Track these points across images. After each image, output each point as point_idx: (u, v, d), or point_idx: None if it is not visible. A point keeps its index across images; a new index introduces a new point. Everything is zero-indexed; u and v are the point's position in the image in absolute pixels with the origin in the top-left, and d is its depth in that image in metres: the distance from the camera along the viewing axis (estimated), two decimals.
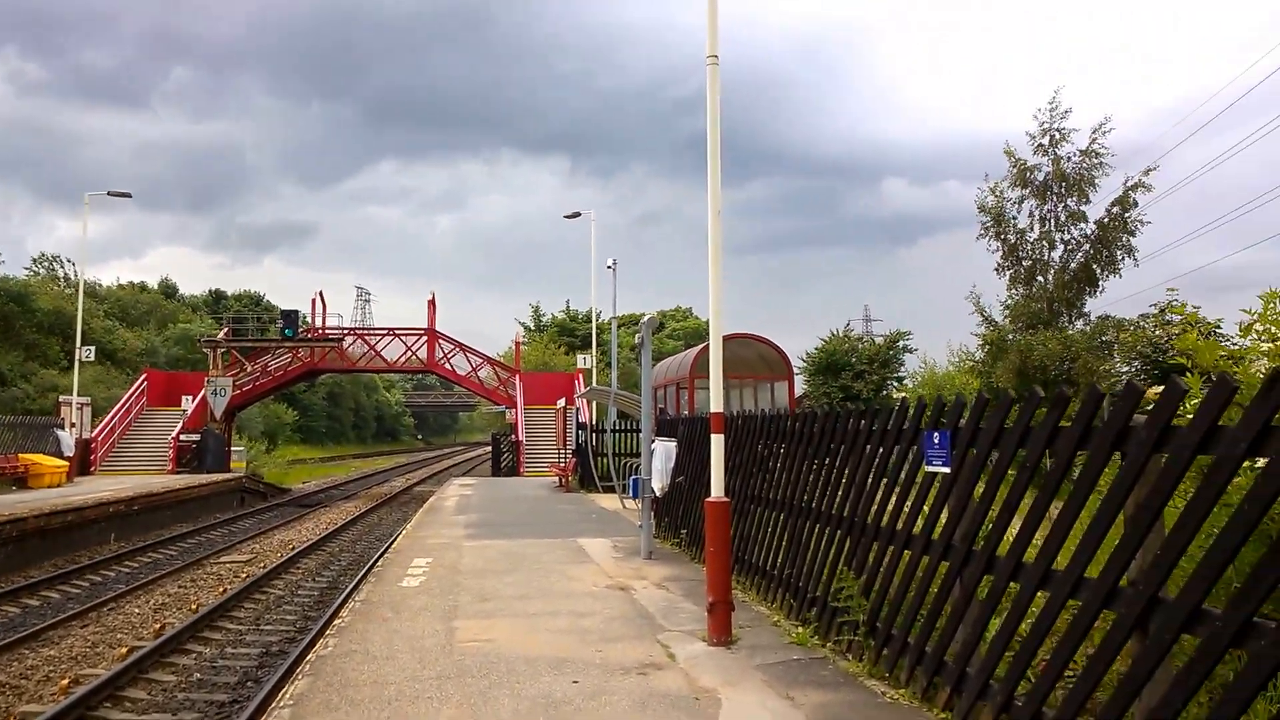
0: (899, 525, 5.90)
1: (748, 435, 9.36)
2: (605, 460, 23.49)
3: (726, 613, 6.93)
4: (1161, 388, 4.56)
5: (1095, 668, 3.82)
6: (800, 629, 7.09)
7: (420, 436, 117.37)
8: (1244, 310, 4.54)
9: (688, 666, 6.39)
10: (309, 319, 34.22)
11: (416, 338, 34.71)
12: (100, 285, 64.84)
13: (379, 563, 11.61)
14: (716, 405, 7.47)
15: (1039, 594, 4.27)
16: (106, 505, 19.36)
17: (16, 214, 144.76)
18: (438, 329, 35.18)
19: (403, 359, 34.77)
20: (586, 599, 8.89)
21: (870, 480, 6.45)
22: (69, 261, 60.53)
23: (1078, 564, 3.96)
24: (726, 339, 20.26)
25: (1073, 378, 21.04)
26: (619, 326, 31.19)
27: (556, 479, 25.90)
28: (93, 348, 29.72)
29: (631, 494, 11.99)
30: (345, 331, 34.16)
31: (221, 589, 14.25)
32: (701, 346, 20.75)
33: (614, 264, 27.56)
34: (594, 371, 33.82)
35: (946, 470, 5.20)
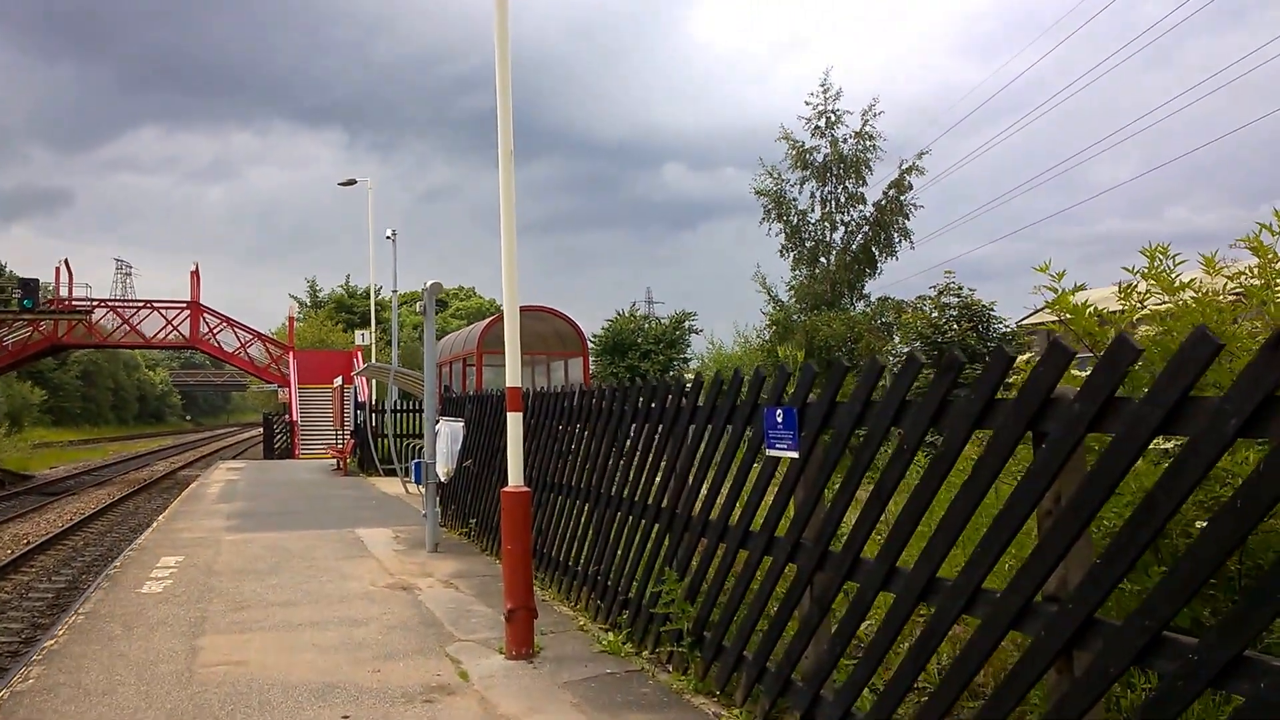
0: (732, 520, 4.94)
1: (546, 415, 8.16)
2: (386, 442, 21.56)
3: (528, 621, 5.72)
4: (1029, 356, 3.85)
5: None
6: (611, 635, 6.01)
7: (189, 418, 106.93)
8: (1126, 269, 3.87)
9: (484, 688, 5.13)
10: (54, 290, 29.33)
11: (178, 311, 30.67)
12: None
13: (116, 562, 9.41)
14: (514, 380, 6.22)
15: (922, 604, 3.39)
16: None
17: None
18: (203, 303, 31.29)
19: (163, 334, 30.61)
20: (363, 602, 7.38)
21: (695, 467, 5.46)
22: None
23: (975, 571, 3.10)
24: (520, 310, 18.95)
25: (856, 357, 21.25)
26: (401, 305, 28.90)
27: (334, 461, 23.56)
28: None
29: (415, 479, 10.48)
30: (95, 303, 29.53)
31: None
32: (490, 320, 19.27)
33: (394, 234, 25.31)
34: (374, 349, 31.31)
35: (794, 455, 4.26)
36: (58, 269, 29.31)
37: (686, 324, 31.73)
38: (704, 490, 5.35)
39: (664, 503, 5.82)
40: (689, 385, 5.66)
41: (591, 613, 6.74)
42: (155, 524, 12.89)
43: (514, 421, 6.07)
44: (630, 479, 6.34)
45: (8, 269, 60.60)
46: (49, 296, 28.52)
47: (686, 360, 31.23)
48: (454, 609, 7.14)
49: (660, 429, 5.95)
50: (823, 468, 4.15)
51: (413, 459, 17.85)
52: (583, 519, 7.23)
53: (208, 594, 7.62)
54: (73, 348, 32.63)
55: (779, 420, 4.36)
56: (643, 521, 6.09)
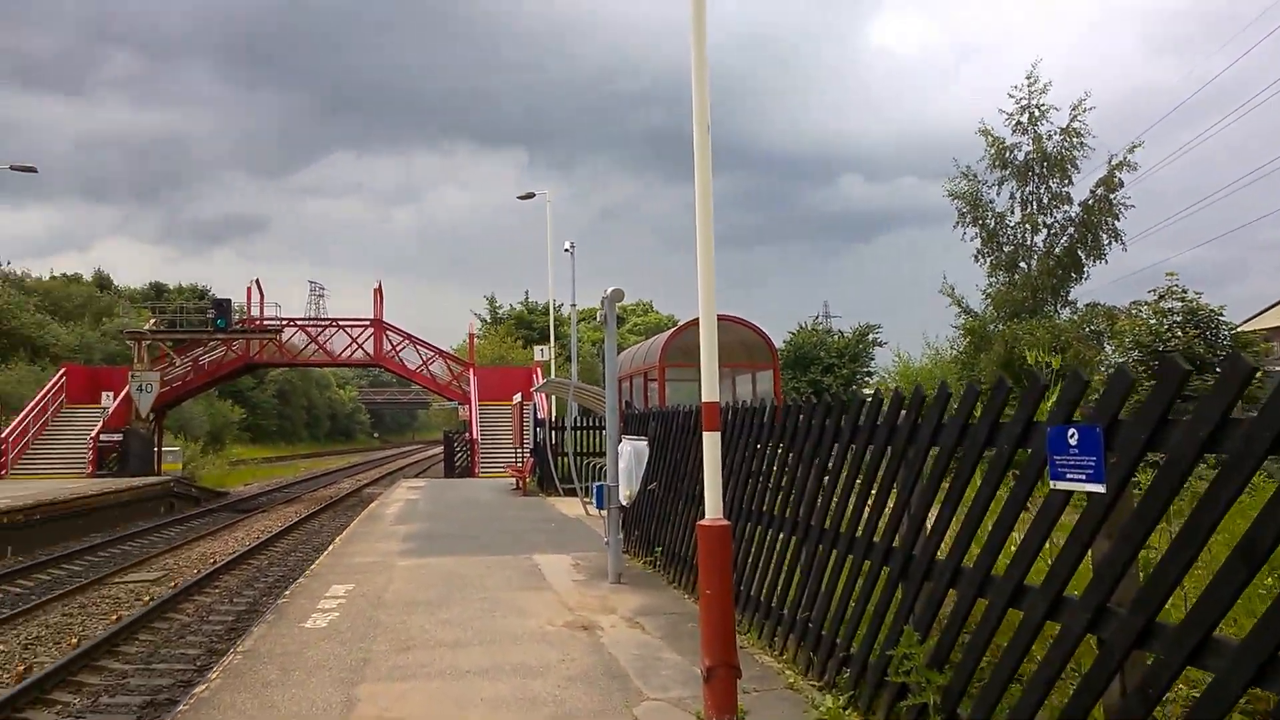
0: (997, 570, 3.99)
1: (744, 433, 7.43)
2: (565, 460, 21.56)
3: (730, 681, 4.98)
4: None
5: None
6: (829, 699, 5.16)
7: (376, 435, 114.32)
8: None
9: None
10: (246, 309, 31.74)
11: (362, 329, 32.35)
12: (29, 276, 61.24)
13: (287, 592, 9.51)
14: (711, 393, 5.52)
15: None
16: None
17: None
18: (386, 320, 32.87)
19: (348, 352, 32.40)
20: (540, 646, 6.90)
21: (939, 499, 4.54)
22: None
23: None
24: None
25: (1064, 369, 19.67)
26: (578, 320, 29.21)
27: (514, 480, 23.87)
28: None
29: (596, 503, 10.03)
30: (284, 322, 31.68)
31: (115, 616, 12.06)
32: (673, 331, 18.79)
33: (572, 246, 25.55)
34: (553, 365, 31.78)
35: (1096, 489, 3.29)
36: (249, 289, 31.73)
37: (870, 336, 30.34)
38: (952, 528, 4.43)
39: (894, 541, 4.94)
40: (928, 399, 4.76)
41: (801, 667, 5.93)
42: (331, 547, 13.19)
43: (711, 443, 5.37)
44: (849, 511, 5.49)
45: (210, 291, 66.80)
46: (242, 316, 30.88)
47: (870, 374, 29.96)
48: (641, 656, 6.52)
49: (889, 451, 5.07)
50: (1144, 508, 3.15)
51: (593, 479, 17.60)
52: (788, 555, 6.44)
53: (373, 630, 7.40)
54: (264, 366, 35.21)
55: (1072, 443, 3.40)
56: (866, 562, 5.23)
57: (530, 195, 29.92)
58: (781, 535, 6.60)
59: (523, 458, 25.93)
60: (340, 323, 33.00)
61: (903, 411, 4.97)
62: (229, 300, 30.28)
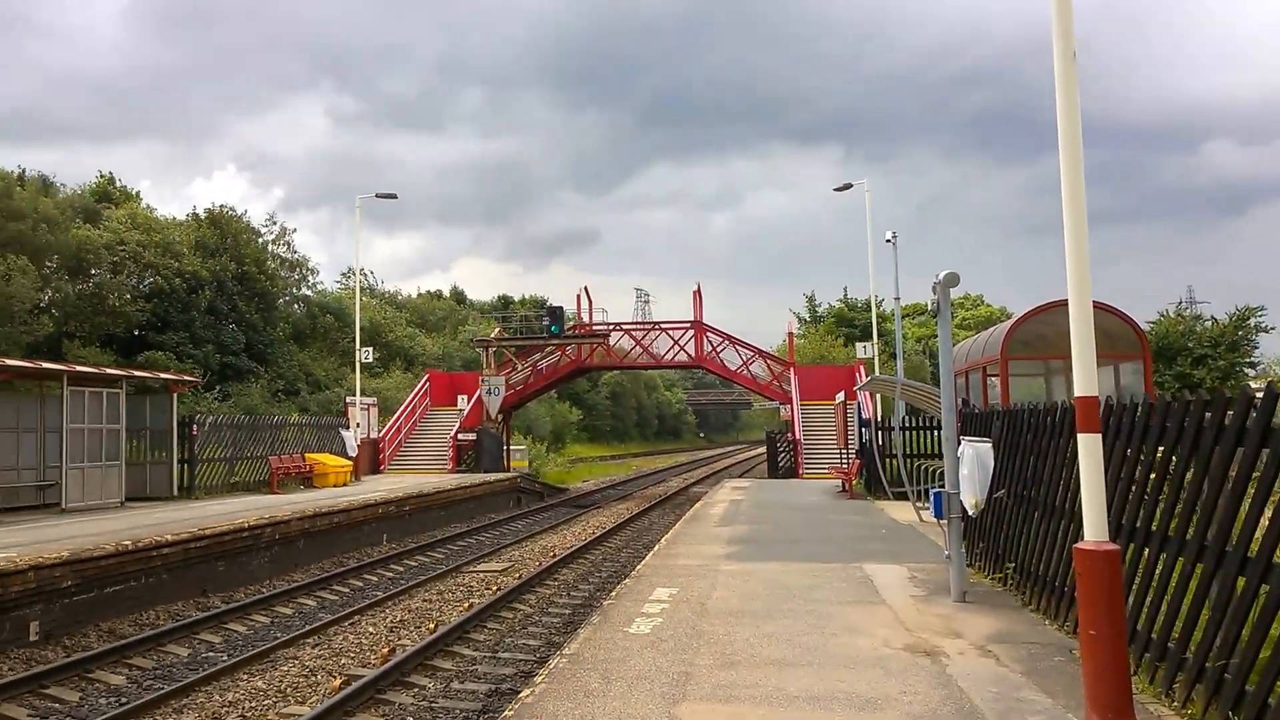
0: None
1: (1123, 436, 6.18)
2: (894, 462, 20.36)
3: None
4: None
5: None
6: None
7: (702, 434, 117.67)
8: None
9: None
10: (576, 316, 33.65)
11: (683, 331, 33.03)
12: (400, 294, 69.86)
13: (612, 594, 9.50)
14: (1087, 387, 4.50)
15: None
16: (376, 506, 19.08)
17: (341, 235, 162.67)
18: (705, 322, 33.30)
19: (670, 354, 33.25)
20: (876, 672, 6.16)
21: None
22: (370, 273, 65.72)
23: None
24: (1048, 308, 16.26)
25: None
26: (901, 317, 27.64)
27: (839, 483, 23.00)
28: (369, 349, 30.81)
29: (935, 511, 9.03)
30: (611, 327, 33.20)
31: (468, 604, 12.92)
32: (1018, 318, 16.90)
33: (894, 236, 24.14)
34: (876, 362, 30.40)
35: None
36: (578, 297, 33.61)
37: (1252, 321, 25.68)
38: None
39: None
40: None
41: None
42: (656, 547, 13.22)
43: (1089, 447, 4.38)
44: None
45: (548, 301, 72.21)
46: (573, 322, 32.76)
47: (1253, 364, 25.34)
48: (999, 696, 5.57)
49: None
50: None
51: (926, 483, 16.35)
52: (1189, 583, 5.18)
53: (696, 640, 7.05)
54: (594, 369, 37.17)
55: None
56: None
57: (848, 186, 28.90)
58: (1173, 558, 5.34)
59: (848, 459, 24.97)
60: (662, 326, 33.95)
61: None
62: (561, 308, 32.22)
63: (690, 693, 5.67)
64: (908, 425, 20.51)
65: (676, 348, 33.14)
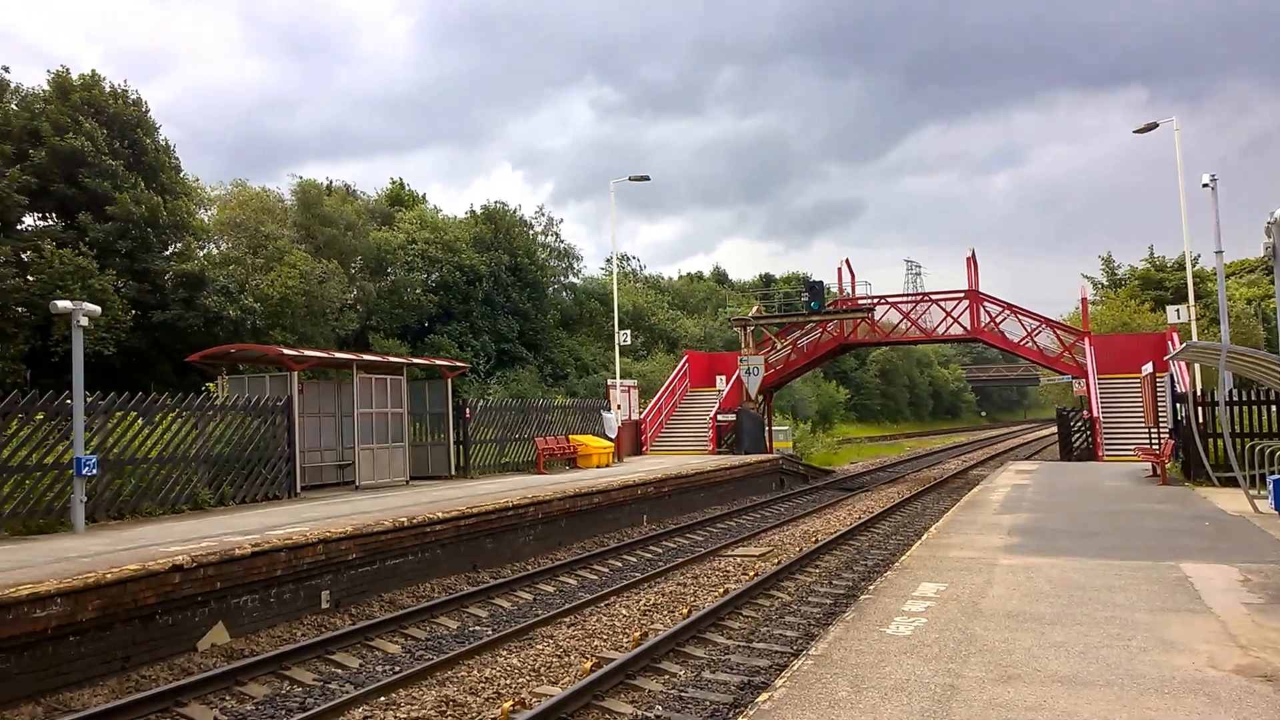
0: None
1: None
2: (1218, 442, 17.74)
3: None
4: None
5: None
6: None
7: (983, 413, 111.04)
8: None
9: None
10: (838, 290, 32.44)
11: (956, 302, 30.85)
12: (662, 279, 71.26)
13: (870, 588, 8.75)
14: None
15: None
16: (635, 487, 19.34)
17: (606, 223, 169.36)
18: (982, 291, 30.92)
19: (942, 327, 31.19)
20: (1197, 700, 5.06)
21: None
22: (634, 259, 67.55)
23: None
24: None
25: None
26: (1226, 276, 24.06)
27: (1149, 466, 20.45)
28: (626, 332, 31.30)
29: (1273, 501, 7.49)
30: (875, 300, 31.65)
31: (723, 589, 12.64)
32: None
33: (1213, 180, 20.96)
34: (1193, 328, 26.77)
35: None
36: (839, 270, 32.31)
37: None
38: None
39: None
40: None
41: None
42: (925, 536, 12.21)
43: None
44: None
45: (810, 278, 70.78)
46: (834, 298, 31.60)
47: None
48: None
49: None
50: None
51: (1262, 467, 14.03)
52: None
53: (965, 647, 6.22)
54: (858, 346, 35.74)
55: None
56: None
57: (1152, 126, 25.55)
58: None
59: (1159, 439, 22.20)
60: (933, 297, 31.94)
61: None
62: (821, 283, 31.22)
63: (956, 712, 4.91)
64: (1236, 399, 17.76)
65: (949, 320, 31.05)
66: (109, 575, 7.67)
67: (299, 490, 15.62)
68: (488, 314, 44.27)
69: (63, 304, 11.16)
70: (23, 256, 25.48)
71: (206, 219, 37.22)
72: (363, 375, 17.47)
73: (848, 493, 27.90)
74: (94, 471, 11.22)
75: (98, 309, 11.91)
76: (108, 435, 12.56)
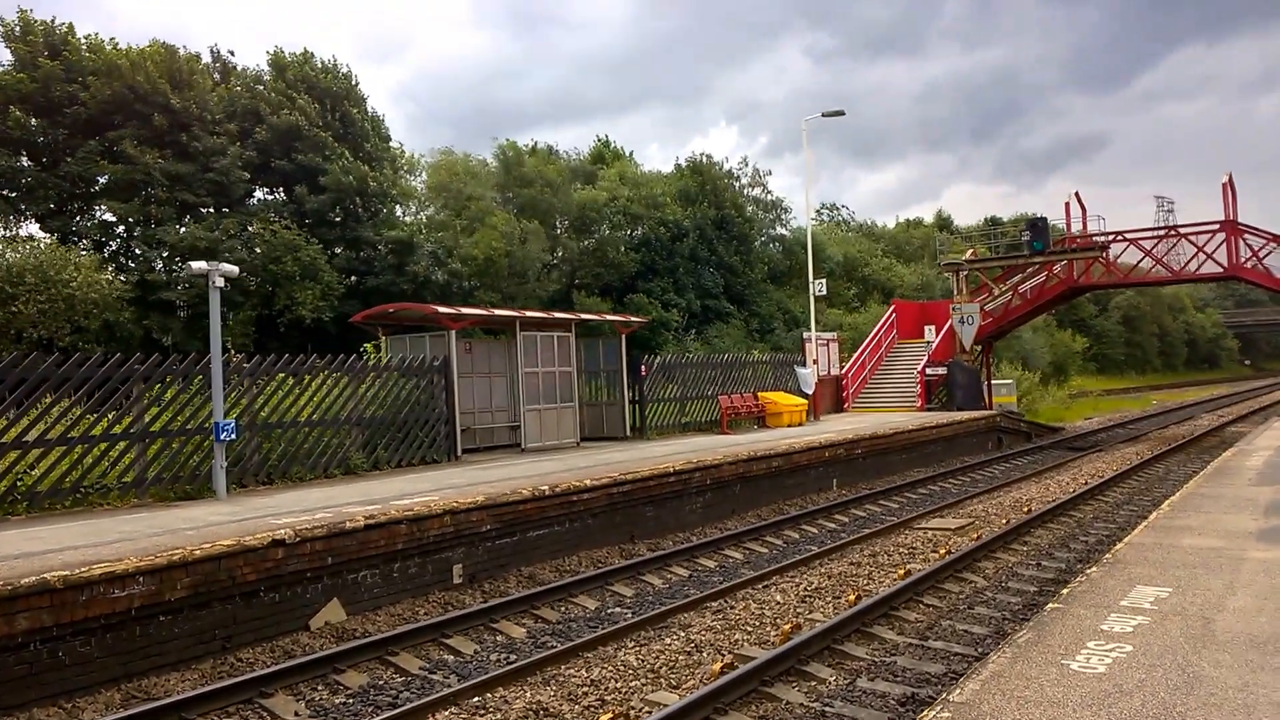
0: None
1: None
2: None
3: None
4: None
5: None
6: None
7: (1247, 362, 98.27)
8: None
9: None
10: (1066, 228, 28.62)
11: (1209, 236, 26.34)
12: (877, 226, 67.32)
13: (1064, 591, 6.82)
14: None
15: None
16: (822, 449, 17.65)
17: (824, 173, 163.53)
18: (1240, 221, 26.23)
19: (1193, 265, 26.77)
20: None
21: None
22: (845, 208, 64.19)
23: None
24: None
25: None
26: None
27: None
28: (823, 281, 28.93)
29: None
30: (1111, 237, 27.58)
31: (903, 571, 10.91)
32: None
33: None
34: None
35: None
36: (1067, 205, 28.40)
37: None
38: None
39: None
40: None
41: None
42: (1154, 515, 9.88)
43: None
44: None
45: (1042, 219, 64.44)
46: (1061, 236, 27.89)
47: None
48: None
49: None
50: None
51: None
52: None
53: (1183, 697, 4.38)
54: (1091, 288, 31.58)
55: None
56: None
57: None
58: None
59: None
60: (1180, 230, 27.48)
61: None
62: (1044, 220, 27.54)
63: None
64: None
65: (1202, 256, 26.62)
66: (198, 552, 7.19)
67: (459, 453, 15.18)
68: (691, 269, 43.17)
69: (198, 265, 11.01)
70: (248, 229, 27.02)
71: (418, 186, 38.40)
72: (526, 333, 16.80)
73: (1076, 453, 24.68)
74: (232, 436, 11.06)
75: (234, 269, 11.71)
76: (254, 398, 12.48)
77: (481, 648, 8.36)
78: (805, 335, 27.72)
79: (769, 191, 52.44)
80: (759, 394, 22.72)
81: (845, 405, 28.23)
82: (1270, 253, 26.04)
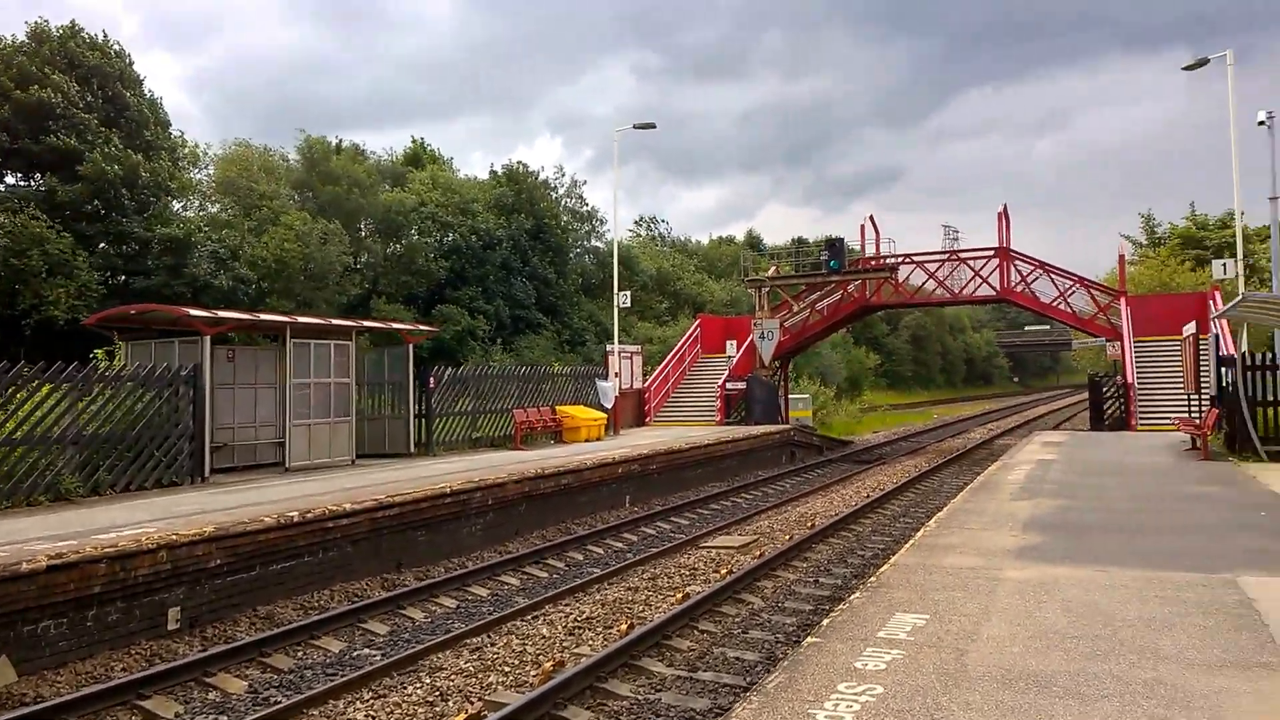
0: None
1: None
2: (1272, 412, 15.19)
3: None
4: None
5: None
6: None
7: (1015, 379, 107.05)
8: None
9: None
10: (860, 250, 29.69)
11: (985, 260, 27.99)
12: (690, 242, 68.53)
13: (823, 623, 6.43)
14: None
15: None
16: (615, 465, 17.09)
17: (644, 188, 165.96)
18: (1014, 249, 28.03)
19: (970, 287, 28.35)
20: None
21: None
22: (663, 222, 64.99)
23: None
24: None
25: None
26: None
27: (1187, 438, 17.81)
28: (626, 294, 28.69)
29: None
30: (900, 259, 28.85)
31: (681, 595, 10.38)
32: None
33: (1269, 118, 18.06)
34: (1240, 283, 23.79)
35: None
36: (862, 227, 29.53)
37: None
38: None
39: None
40: None
41: None
42: (920, 533, 9.83)
43: None
44: None
45: (843, 241, 67.65)
46: (856, 257, 28.88)
47: None
48: None
49: None
50: None
51: None
52: None
53: None
54: (881, 308, 32.97)
55: None
56: None
57: (1203, 62, 22.48)
58: None
59: (1201, 407, 19.53)
60: (960, 255, 29.10)
61: None
62: (841, 240, 28.43)
63: None
64: None
65: (978, 280, 28.24)
66: None
67: (208, 474, 13.50)
68: (503, 279, 41.98)
69: None
70: None
71: (204, 180, 35.32)
72: (298, 340, 15.28)
73: (862, 466, 25.46)
74: None
75: None
76: None
77: (186, 709, 7.09)
78: (608, 348, 27.28)
79: (585, 202, 52.16)
80: (557, 408, 21.97)
81: (647, 419, 27.99)
82: (1037, 278, 27.94)
